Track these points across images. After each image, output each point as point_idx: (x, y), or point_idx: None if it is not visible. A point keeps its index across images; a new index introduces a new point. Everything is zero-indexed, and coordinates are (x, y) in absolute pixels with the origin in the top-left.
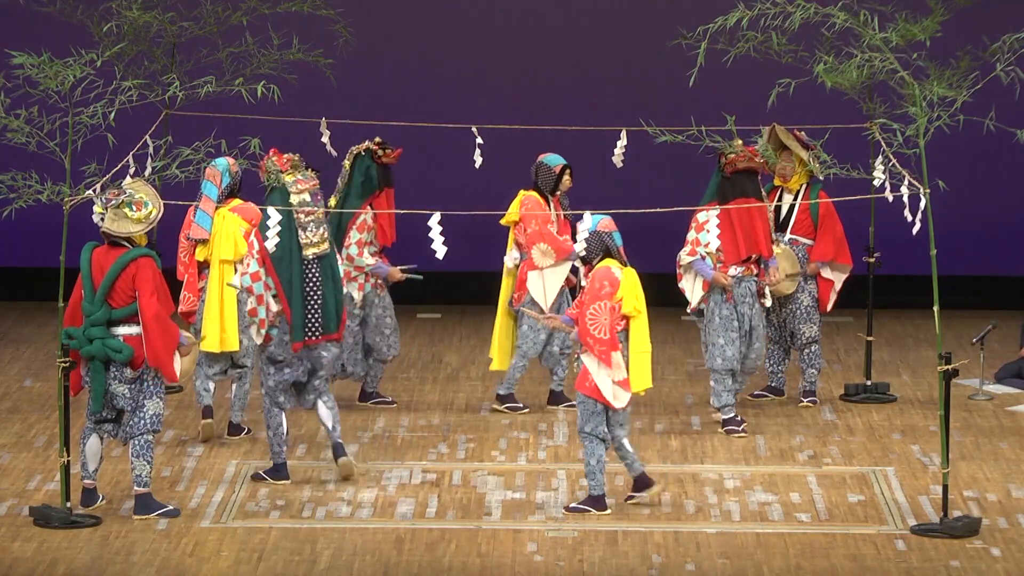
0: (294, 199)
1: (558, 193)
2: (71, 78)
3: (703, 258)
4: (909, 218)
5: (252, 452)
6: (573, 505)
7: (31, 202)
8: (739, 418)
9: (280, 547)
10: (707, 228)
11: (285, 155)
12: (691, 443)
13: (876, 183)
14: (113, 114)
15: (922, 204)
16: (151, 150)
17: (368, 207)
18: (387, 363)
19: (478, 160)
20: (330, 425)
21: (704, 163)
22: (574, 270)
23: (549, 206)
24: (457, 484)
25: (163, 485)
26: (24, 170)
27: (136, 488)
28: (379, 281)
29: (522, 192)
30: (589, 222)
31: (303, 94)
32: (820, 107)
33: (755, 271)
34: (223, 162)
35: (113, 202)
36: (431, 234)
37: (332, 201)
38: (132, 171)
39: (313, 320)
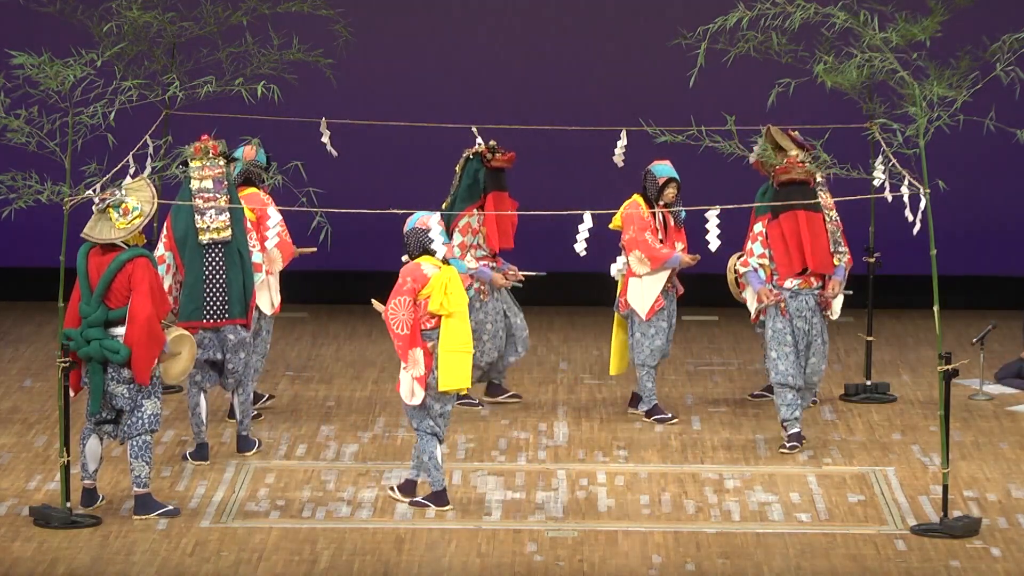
0: (194, 185)
1: (661, 202)
2: (71, 78)
3: (755, 270)
4: (909, 218)
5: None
6: (415, 499)
7: (31, 202)
8: (800, 434)
9: (280, 547)
10: (708, 228)
11: (212, 142)
12: (691, 443)
13: (876, 183)
14: (113, 114)
15: (922, 204)
16: (151, 150)
17: (477, 210)
18: (497, 366)
19: None
20: (238, 418)
21: (704, 164)
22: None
23: (654, 214)
24: (457, 484)
25: (163, 485)
26: (24, 170)
27: (135, 488)
28: (483, 286)
29: (635, 196)
30: (589, 222)
31: (303, 94)
32: (820, 107)
33: (815, 284)
34: (240, 150)
35: (100, 204)
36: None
37: (444, 204)
38: (132, 171)
39: (213, 303)
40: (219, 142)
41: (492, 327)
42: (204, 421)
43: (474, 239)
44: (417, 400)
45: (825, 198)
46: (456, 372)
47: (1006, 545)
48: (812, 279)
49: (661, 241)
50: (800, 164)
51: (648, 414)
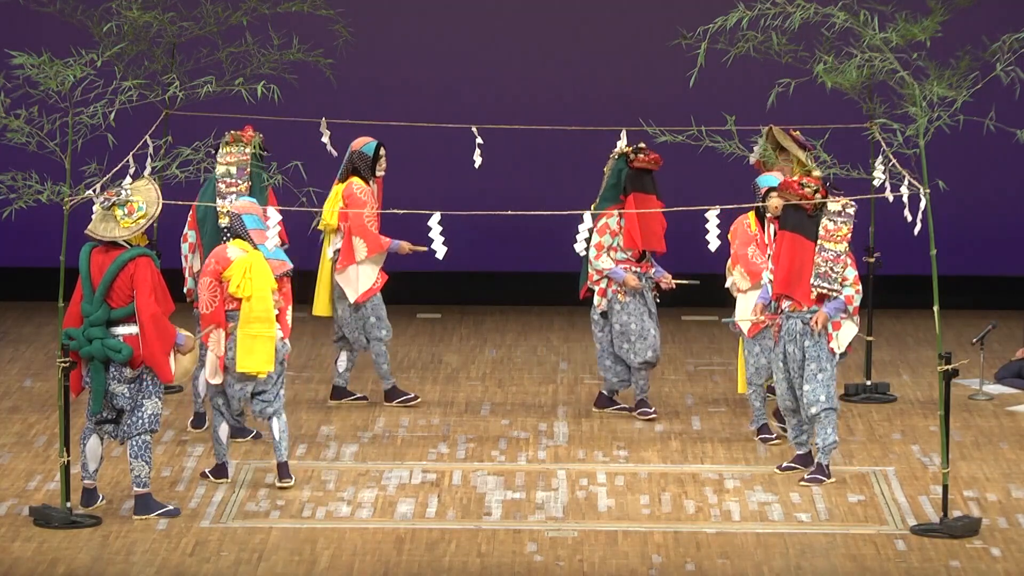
0: (219, 170)
1: (768, 214)
2: (71, 78)
3: (765, 284)
4: (909, 218)
5: (252, 452)
6: (205, 470)
7: (31, 202)
8: (808, 456)
9: (280, 547)
10: (708, 228)
11: (249, 132)
12: (691, 443)
13: (876, 183)
14: (113, 114)
15: (922, 204)
16: (151, 150)
17: (616, 210)
18: (642, 369)
19: (478, 160)
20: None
21: (704, 163)
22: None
23: (764, 227)
24: (457, 484)
25: (163, 485)
26: (24, 170)
27: (135, 489)
28: (621, 288)
29: (751, 212)
30: (589, 222)
31: (303, 94)
32: (820, 107)
33: (805, 309)
34: (354, 142)
35: (106, 203)
36: (431, 234)
37: (593, 205)
38: (132, 171)
39: None
40: (257, 135)
41: (637, 327)
42: (202, 393)
43: (612, 240)
44: (218, 380)
45: (831, 228)
46: (254, 354)
47: (1006, 545)
48: (802, 303)
49: (770, 255)
50: (800, 190)
51: (757, 432)
